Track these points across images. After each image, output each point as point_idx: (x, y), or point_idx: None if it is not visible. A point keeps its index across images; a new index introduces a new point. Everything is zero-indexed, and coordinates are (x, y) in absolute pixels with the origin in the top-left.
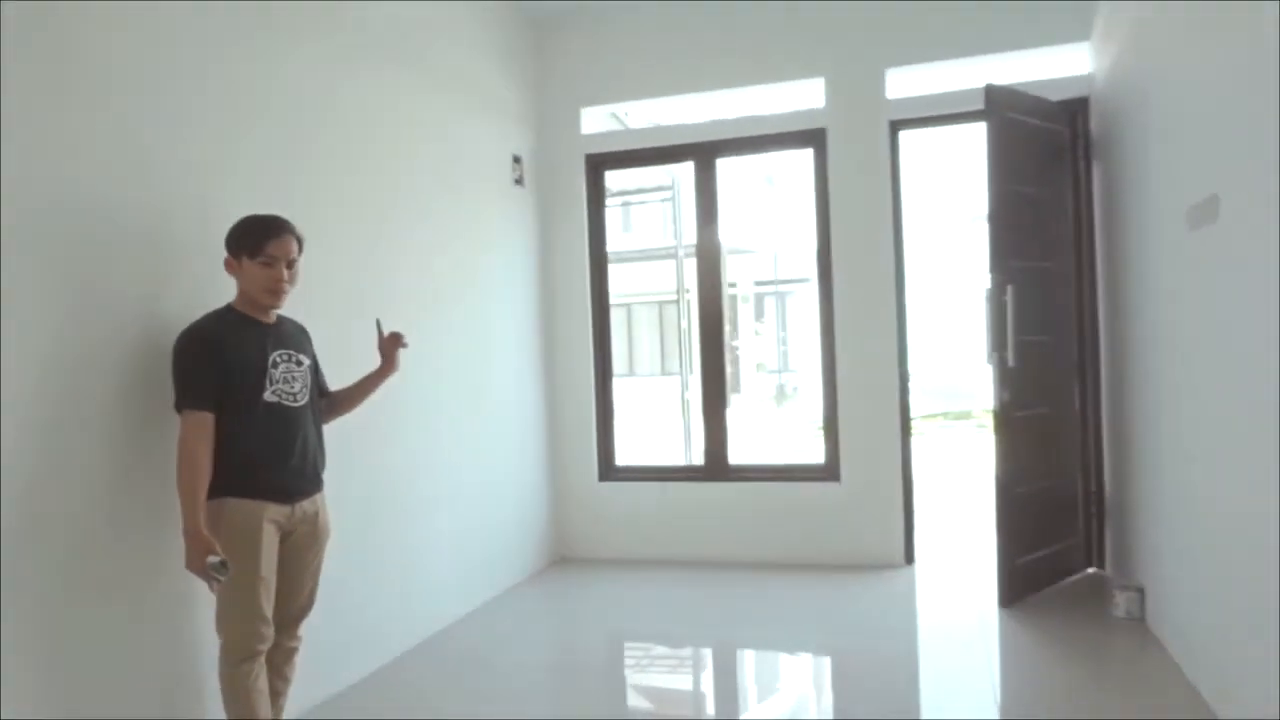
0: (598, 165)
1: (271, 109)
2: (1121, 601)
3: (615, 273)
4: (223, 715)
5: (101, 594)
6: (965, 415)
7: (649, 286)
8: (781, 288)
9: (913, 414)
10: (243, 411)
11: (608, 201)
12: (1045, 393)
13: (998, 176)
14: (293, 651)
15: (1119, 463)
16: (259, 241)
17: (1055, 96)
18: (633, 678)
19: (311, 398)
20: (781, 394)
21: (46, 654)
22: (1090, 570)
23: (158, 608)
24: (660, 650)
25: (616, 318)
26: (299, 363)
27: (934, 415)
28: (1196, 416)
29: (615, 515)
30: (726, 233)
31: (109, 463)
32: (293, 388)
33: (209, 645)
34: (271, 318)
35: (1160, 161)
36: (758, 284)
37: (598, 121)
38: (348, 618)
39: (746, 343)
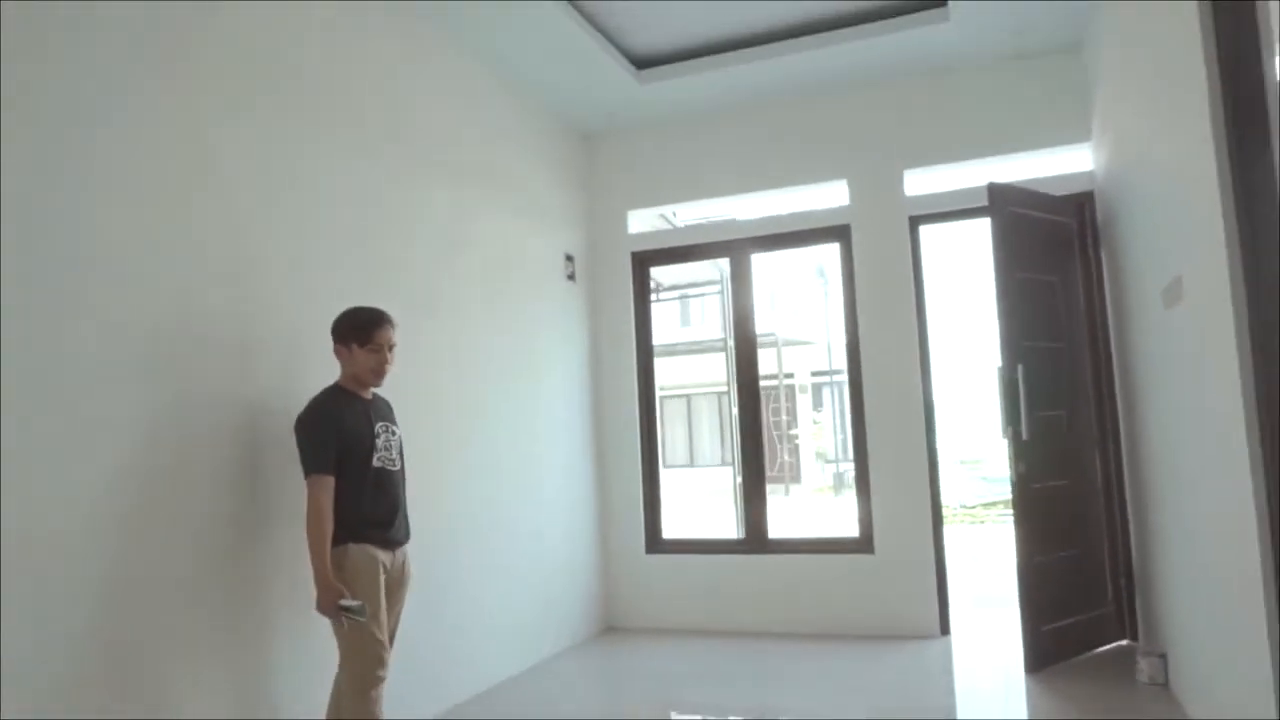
0: (643, 261)
1: (362, 221)
2: (1145, 667)
3: (675, 365)
4: None
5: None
6: None
7: (708, 378)
8: (838, 378)
9: (973, 503)
10: (357, 475)
11: (664, 295)
12: (1064, 465)
13: (1003, 264)
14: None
15: (1143, 535)
16: (369, 332)
17: (1063, 191)
18: None
19: (402, 463)
20: (840, 482)
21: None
22: (1123, 642)
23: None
24: (705, 717)
25: (677, 408)
26: (393, 433)
27: (994, 504)
28: (1195, 487)
29: (662, 586)
30: (783, 323)
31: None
32: (391, 454)
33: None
34: (370, 394)
35: (1142, 248)
36: (814, 374)
37: (643, 221)
38: (400, 669)
39: (805, 432)
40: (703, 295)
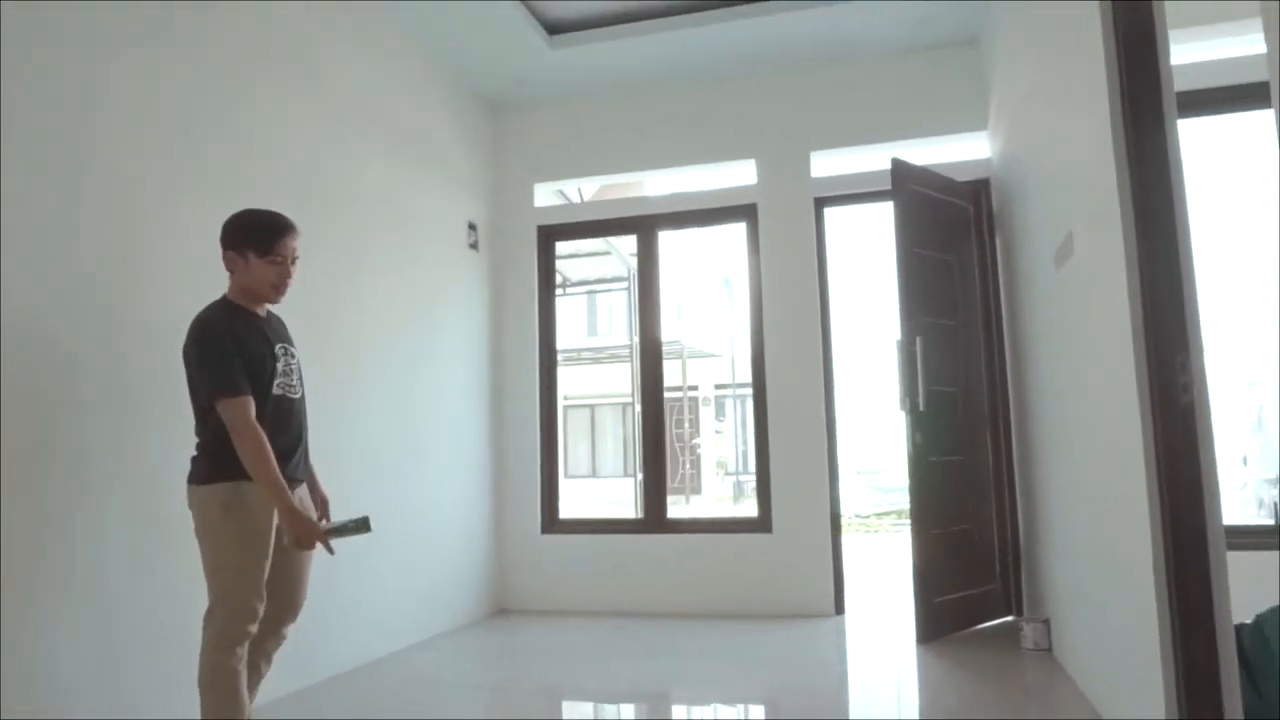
0: (549, 235)
1: (231, 162)
2: (1029, 633)
3: (580, 374)
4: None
5: None
6: None
7: (613, 388)
8: (740, 390)
9: (865, 512)
10: (257, 403)
11: (570, 290)
12: (958, 442)
13: (903, 239)
14: (284, 639)
15: (1030, 510)
16: (271, 241)
17: (961, 178)
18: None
19: (303, 390)
20: (740, 492)
21: None
22: (1009, 618)
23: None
24: (590, 699)
25: (580, 420)
26: (293, 356)
27: (886, 513)
28: (1075, 455)
29: (557, 567)
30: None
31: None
32: (292, 380)
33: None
34: (264, 312)
35: (1035, 220)
36: (718, 387)
37: (549, 196)
38: None
39: (707, 442)
40: (610, 291)
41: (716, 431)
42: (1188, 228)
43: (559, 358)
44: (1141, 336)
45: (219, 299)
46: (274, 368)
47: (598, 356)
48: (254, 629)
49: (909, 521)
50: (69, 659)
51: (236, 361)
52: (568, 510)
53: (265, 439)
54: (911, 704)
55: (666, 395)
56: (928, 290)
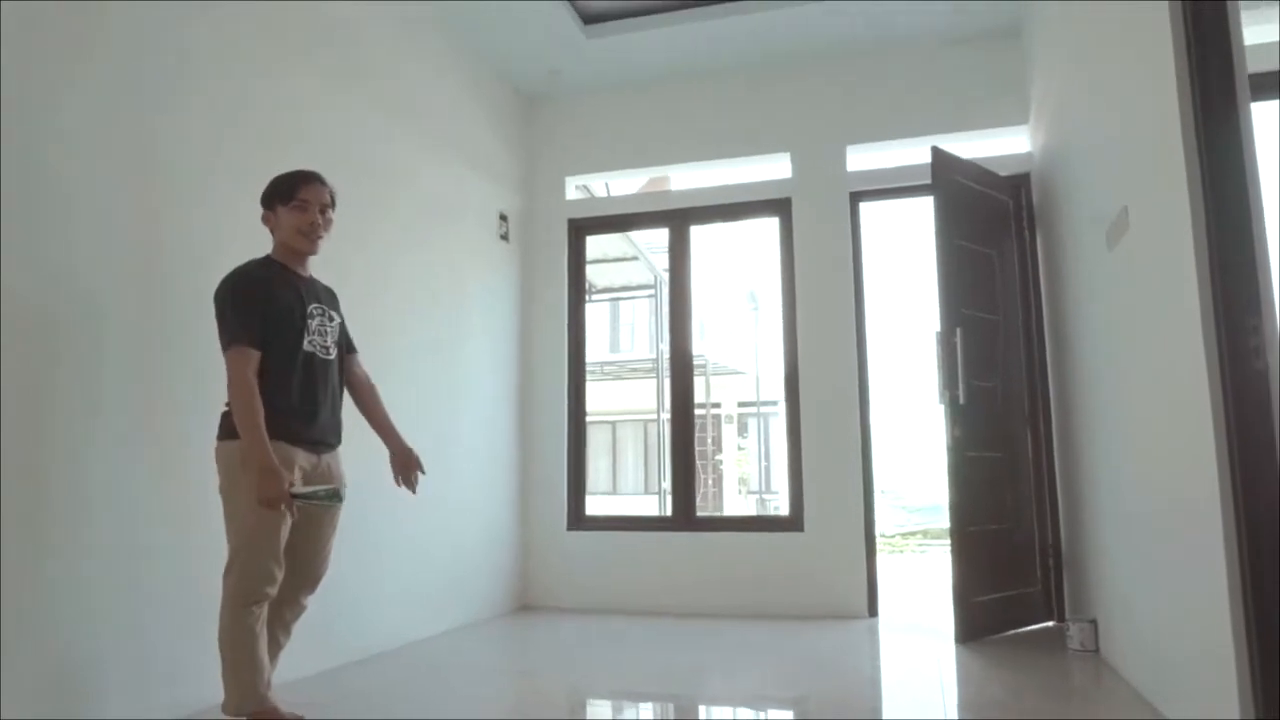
0: (579, 229)
1: (268, 144)
2: (1075, 633)
3: (603, 390)
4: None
5: None
6: (944, 534)
7: (635, 404)
8: (765, 408)
9: (890, 531)
10: (283, 358)
11: (596, 297)
12: (998, 438)
13: (944, 230)
14: (304, 609)
15: (1072, 510)
16: (291, 187)
17: (1002, 172)
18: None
19: (340, 355)
20: (763, 509)
21: None
22: (1050, 623)
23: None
24: (614, 695)
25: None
26: (331, 318)
27: (913, 534)
28: (1128, 445)
29: (583, 564)
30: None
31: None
32: (326, 341)
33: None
34: (306, 271)
35: (1082, 208)
36: (741, 405)
37: (579, 192)
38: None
39: (730, 459)
40: (635, 299)
41: (740, 448)
42: (1258, 185)
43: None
44: (1210, 299)
45: (260, 257)
46: (305, 325)
47: (620, 372)
48: (271, 590)
49: (947, 521)
50: (92, 615)
51: (255, 315)
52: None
53: (258, 397)
54: (953, 700)
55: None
56: (968, 283)
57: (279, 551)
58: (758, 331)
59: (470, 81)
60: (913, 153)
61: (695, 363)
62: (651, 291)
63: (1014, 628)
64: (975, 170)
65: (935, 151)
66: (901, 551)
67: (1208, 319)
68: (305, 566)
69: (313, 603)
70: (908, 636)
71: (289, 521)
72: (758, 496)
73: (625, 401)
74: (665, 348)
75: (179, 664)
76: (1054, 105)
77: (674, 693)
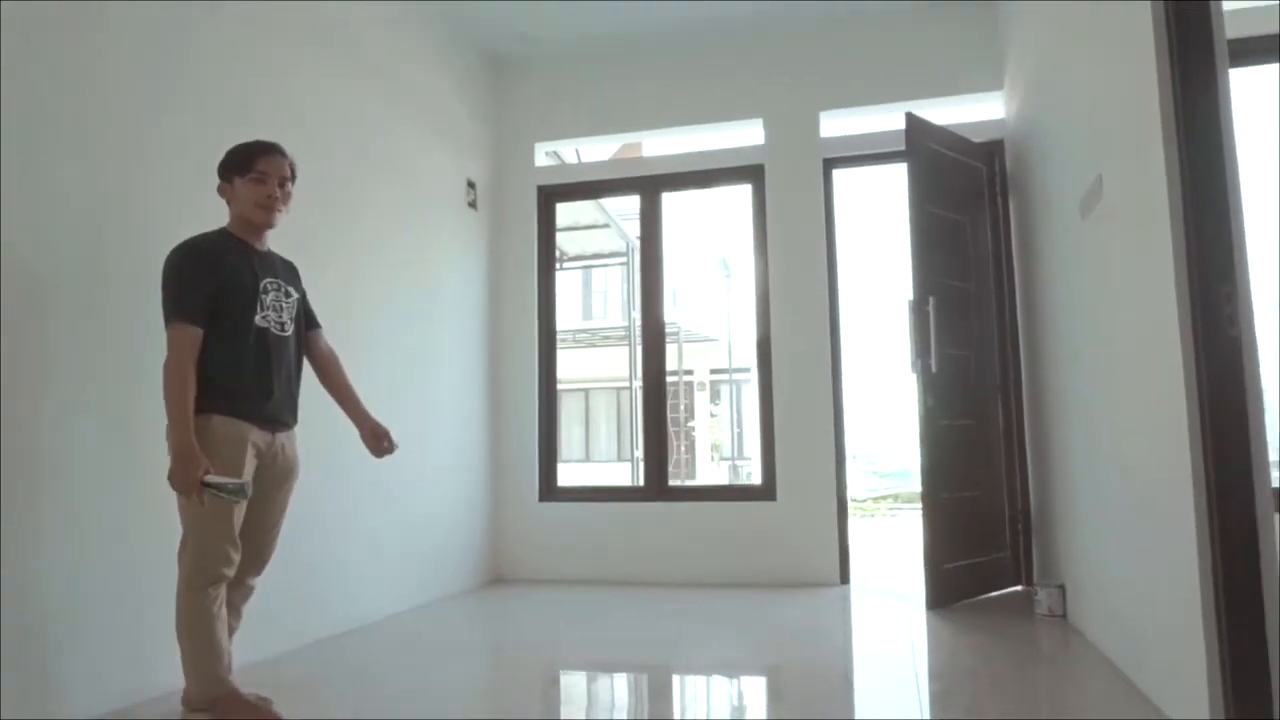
0: (549, 196)
1: (224, 111)
2: (1044, 598)
3: (575, 358)
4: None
5: None
6: (915, 498)
7: (608, 372)
8: (737, 376)
9: (861, 496)
10: (233, 333)
11: (567, 264)
12: (969, 406)
13: (917, 196)
14: (251, 591)
15: (1041, 477)
16: (249, 158)
17: (976, 139)
18: (560, 689)
19: (298, 331)
20: (736, 476)
21: None
22: (1018, 587)
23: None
24: (587, 666)
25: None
26: (288, 294)
27: (884, 498)
28: (1099, 410)
29: (555, 535)
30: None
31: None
32: (281, 317)
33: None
34: (263, 245)
35: (1055, 176)
36: (713, 371)
37: (548, 158)
38: (267, 598)
39: (702, 426)
40: (607, 266)
41: (712, 415)
42: (1234, 152)
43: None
44: (1184, 266)
45: (217, 228)
46: (259, 299)
47: (593, 339)
48: (228, 571)
49: (919, 488)
50: (44, 594)
51: (200, 289)
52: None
53: (191, 379)
54: (923, 665)
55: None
56: (940, 250)
57: (233, 533)
58: (730, 299)
59: (434, 45)
60: (886, 119)
61: (668, 330)
62: (623, 259)
63: (983, 592)
64: (949, 137)
65: (909, 118)
66: (873, 516)
67: (1181, 287)
68: (253, 548)
69: (279, 579)
70: (879, 603)
71: (243, 504)
72: (730, 463)
73: (598, 369)
74: (637, 316)
75: (137, 647)
76: (1029, 71)
77: (647, 663)
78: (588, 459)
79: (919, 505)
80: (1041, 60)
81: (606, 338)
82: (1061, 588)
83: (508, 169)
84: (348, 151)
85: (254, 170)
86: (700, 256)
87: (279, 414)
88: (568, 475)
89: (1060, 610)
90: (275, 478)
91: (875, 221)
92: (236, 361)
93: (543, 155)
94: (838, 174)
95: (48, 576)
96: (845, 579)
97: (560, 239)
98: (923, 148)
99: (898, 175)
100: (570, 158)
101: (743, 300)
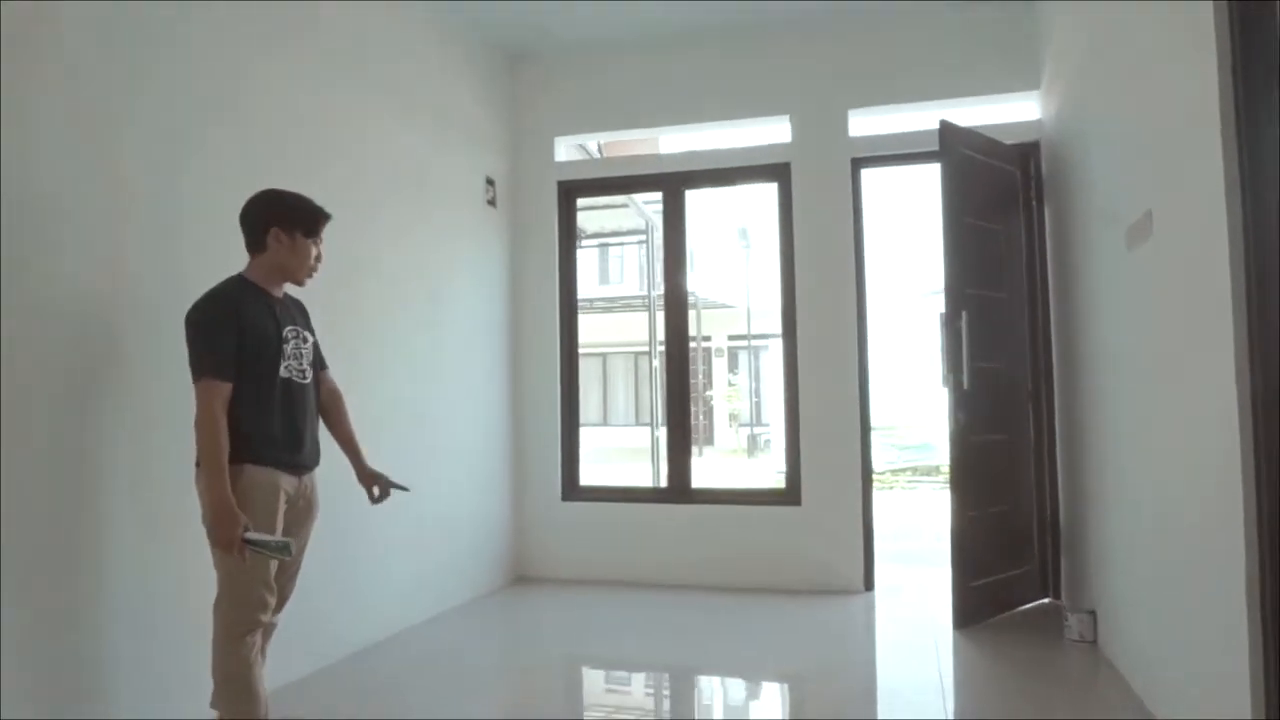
0: (570, 192)
1: (243, 118)
2: (1074, 624)
3: (593, 322)
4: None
5: None
6: (934, 471)
7: (625, 336)
8: (755, 342)
9: (881, 469)
10: (261, 386)
11: (585, 242)
12: (1001, 420)
13: (951, 207)
14: (274, 628)
15: (1072, 491)
16: (316, 222)
17: (1008, 140)
18: (584, 696)
19: (315, 375)
20: (754, 445)
21: None
22: (1045, 600)
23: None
24: (611, 670)
25: (592, 367)
26: (305, 339)
27: (902, 470)
28: (1138, 439)
29: (578, 535)
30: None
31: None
32: (302, 364)
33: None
34: (280, 292)
35: (1097, 192)
36: (731, 338)
37: (571, 151)
38: (295, 619)
39: (720, 394)
40: (624, 244)
41: (730, 384)
42: None
43: (578, 297)
44: (1242, 290)
45: (233, 276)
46: (281, 349)
47: (610, 305)
48: (265, 617)
49: (936, 460)
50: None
51: (229, 345)
52: (584, 459)
53: (225, 432)
54: (949, 696)
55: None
56: (973, 261)
57: (270, 579)
58: (749, 266)
59: (452, 41)
60: (917, 117)
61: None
62: (642, 237)
63: (1011, 608)
64: (982, 141)
65: (944, 126)
66: (891, 488)
67: (1239, 311)
68: (278, 580)
69: (306, 598)
70: (903, 617)
71: None
72: (749, 430)
73: (616, 334)
74: (659, 295)
75: (189, 669)
76: (1071, 71)
77: (668, 669)
78: (605, 423)
79: (938, 479)
80: (1083, 57)
81: (626, 305)
82: (1092, 613)
83: (527, 165)
84: (359, 156)
85: (316, 234)
86: (719, 225)
87: (307, 460)
88: (586, 437)
89: (1091, 636)
90: (299, 519)
91: (902, 216)
92: (265, 413)
93: (564, 150)
94: (866, 174)
95: (111, 602)
96: (869, 585)
97: (579, 217)
98: (956, 156)
99: (927, 174)
100: (592, 151)
101: (761, 268)
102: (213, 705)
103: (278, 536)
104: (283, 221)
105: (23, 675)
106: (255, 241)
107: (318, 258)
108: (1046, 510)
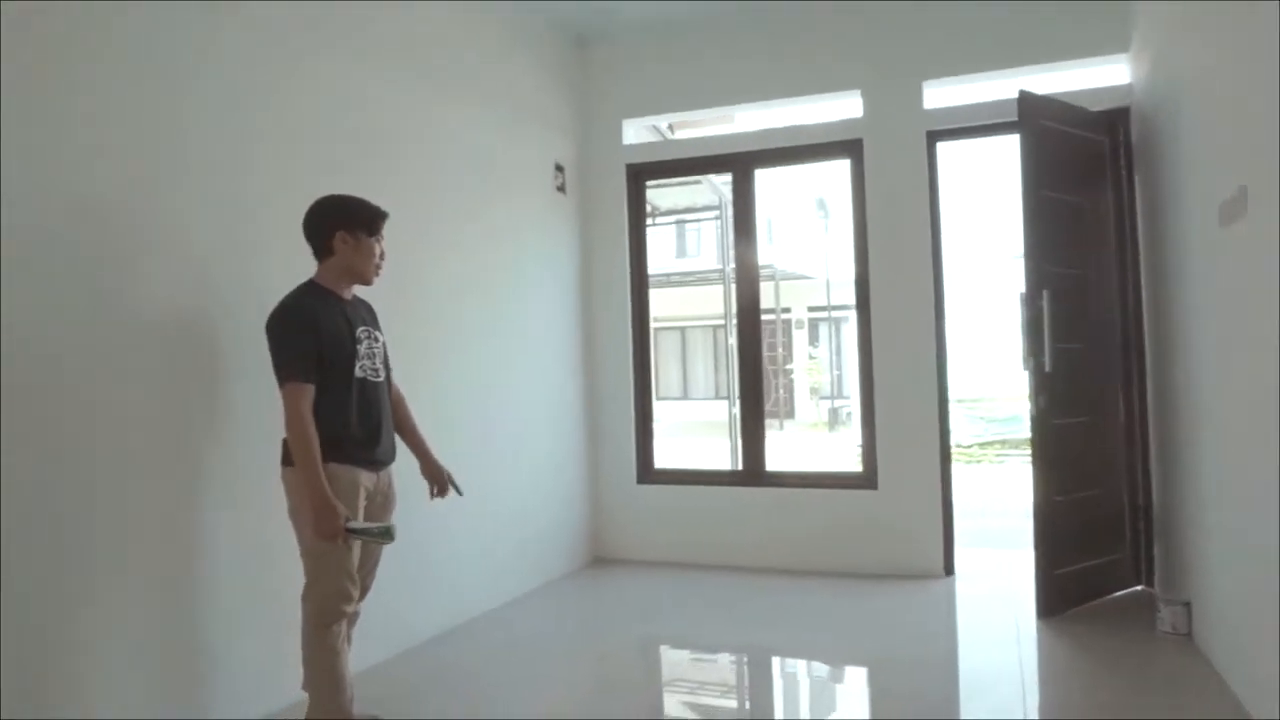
0: (639, 175)
1: (308, 116)
2: (1167, 616)
3: (670, 296)
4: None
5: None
6: (1024, 444)
7: (703, 310)
8: (836, 314)
9: (969, 442)
10: (338, 386)
11: (660, 220)
12: (1087, 402)
13: (1031, 182)
14: (358, 616)
15: (1167, 476)
16: (376, 221)
17: (1095, 107)
18: (664, 677)
19: (386, 374)
20: (835, 419)
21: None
22: (1138, 588)
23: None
24: (692, 651)
25: (671, 340)
26: (376, 339)
27: (991, 443)
28: (1237, 424)
29: (653, 518)
30: (780, 257)
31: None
32: (375, 363)
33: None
34: (350, 294)
35: (1192, 163)
36: (811, 309)
37: (639, 133)
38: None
39: (800, 367)
40: (700, 221)
41: (811, 356)
42: None
43: (650, 277)
44: None
45: (305, 283)
46: (355, 350)
47: (686, 279)
48: (349, 608)
49: (1027, 434)
50: (210, 608)
51: (310, 350)
52: (660, 433)
53: (314, 432)
54: (1031, 689)
55: (760, 318)
56: (1056, 237)
57: (353, 569)
58: (828, 237)
59: (515, 26)
60: (997, 85)
61: (763, 271)
62: (717, 213)
63: (1100, 596)
64: (1066, 110)
65: (1022, 95)
66: (979, 462)
67: None
68: (359, 572)
69: (386, 587)
70: (985, 603)
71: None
72: (829, 403)
73: (694, 307)
74: (733, 269)
75: (283, 655)
76: (1163, 31)
77: (746, 651)
78: (685, 396)
79: (1028, 452)
80: (1179, 18)
81: (703, 279)
82: (1187, 605)
83: (596, 148)
84: (429, 148)
85: (379, 232)
86: (796, 196)
87: (385, 456)
88: (665, 411)
89: (1185, 628)
90: (377, 513)
91: (983, 184)
92: (343, 412)
93: (633, 132)
94: (942, 146)
95: (214, 595)
96: (950, 570)
97: (651, 194)
98: (1037, 127)
99: (1007, 145)
100: (663, 129)
101: (840, 239)
102: (304, 688)
103: (371, 523)
104: (346, 224)
105: (134, 673)
106: (322, 247)
107: (382, 255)
108: (1139, 496)
